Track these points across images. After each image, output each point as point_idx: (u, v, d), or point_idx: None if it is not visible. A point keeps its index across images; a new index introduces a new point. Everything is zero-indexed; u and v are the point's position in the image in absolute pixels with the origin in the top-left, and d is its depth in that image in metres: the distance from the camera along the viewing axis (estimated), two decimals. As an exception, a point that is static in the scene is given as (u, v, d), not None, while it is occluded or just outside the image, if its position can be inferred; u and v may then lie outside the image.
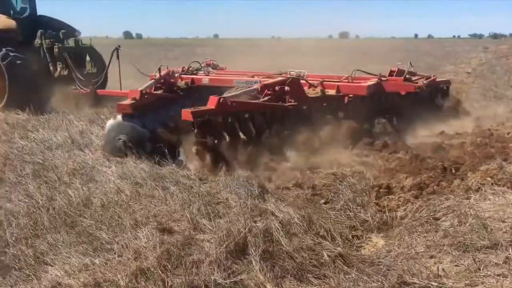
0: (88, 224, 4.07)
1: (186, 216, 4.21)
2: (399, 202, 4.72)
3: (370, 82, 7.79)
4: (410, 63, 8.43)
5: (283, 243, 3.71)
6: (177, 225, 4.12)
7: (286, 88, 6.89)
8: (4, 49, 10.13)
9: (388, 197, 4.86)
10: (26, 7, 11.84)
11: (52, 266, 3.43)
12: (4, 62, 10.01)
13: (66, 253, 3.56)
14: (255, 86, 7.00)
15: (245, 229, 3.80)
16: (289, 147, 6.37)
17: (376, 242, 4.00)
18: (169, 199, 4.66)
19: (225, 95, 6.46)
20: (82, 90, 10.45)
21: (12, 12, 11.49)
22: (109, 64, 10.29)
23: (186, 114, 5.75)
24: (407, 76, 8.18)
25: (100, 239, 3.79)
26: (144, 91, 6.86)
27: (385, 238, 4.06)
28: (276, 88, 6.83)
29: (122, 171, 5.49)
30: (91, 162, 5.87)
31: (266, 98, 6.70)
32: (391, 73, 8.60)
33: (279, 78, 7.33)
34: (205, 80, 8.46)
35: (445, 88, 10.02)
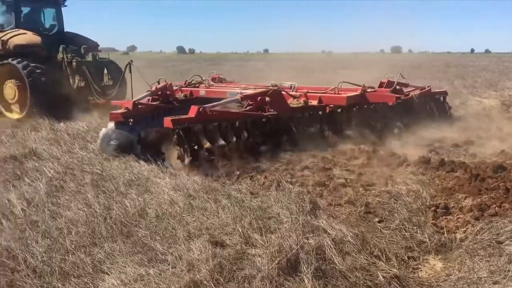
0: (143, 234, 4.16)
1: (238, 230, 4.22)
2: (458, 223, 4.52)
3: (351, 93, 8.35)
4: (400, 74, 9.31)
5: (336, 261, 3.64)
6: (229, 239, 4.13)
7: (267, 99, 7.47)
8: (27, 62, 11.02)
9: (446, 218, 4.66)
10: (55, 24, 12.97)
11: (109, 275, 3.52)
12: (27, 74, 10.88)
13: (122, 263, 3.65)
14: (236, 96, 7.66)
15: (297, 245, 3.76)
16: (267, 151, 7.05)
17: (434, 265, 3.84)
18: (221, 212, 4.69)
19: (207, 105, 6.99)
20: (98, 101, 11.19)
21: (41, 29, 12.58)
22: (122, 77, 10.85)
23: (167, 122, 6.35)
24: (397, 87, 8.87)
25: (155, 249, 3.86)
26: (137, 102, 7.47)
27: (443, 260, 3.89)
28: (258, 98, 7.45)
29: (175, 183, 5.59)
30: (147, 173, 6.02)
31: (247, 108, 7.36)
32: (381, 85, 9.24)
33: (260, 90, 7.95)
34: (202, 92, 9.31)
35: (441, 99, 10.60)
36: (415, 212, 4.72)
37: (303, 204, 4.80)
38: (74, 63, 11.59)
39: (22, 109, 11.30)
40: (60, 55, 11.81)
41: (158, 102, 8.44)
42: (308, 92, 8.45)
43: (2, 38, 11.66)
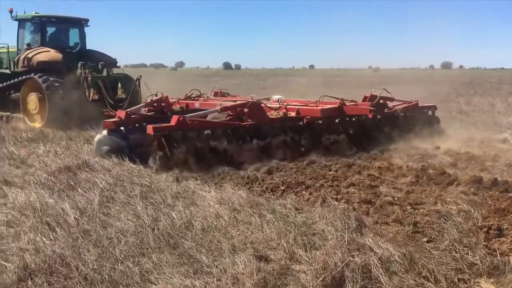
0: (189, 246, 4.23)
1: (283, 245, 4.22)
2: (512, 246, 4.32)
3: (328, 106, 9.15)
4: (385, 89, 10.23)
5: (382, 281, 3.57)
6: (274, 254, 4.14)
7: (245, 110, 8.27)
8: (46, 77, 12.17)
9: (499, 240, 4.47)
10: (78, 43, 14.26)
11: (156, 285, 3.61)
12: (46, 87, 12.04)
13: (169, 273, 3.72)
14: (216, 108, 8.45)
15: (342, 263, 3.72)
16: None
17: (486, 288, 3.69)
18: (266, 226, 4.71)
19: (187, 115, 7.91)
20: (112, 113, 11.63)
21: (65, 46, 13.78)
22: (132, 91, 12.19)
23: (149, 129, 7.28)
24: (381, 101, 9.67)
25: (200, 261, 3.92)
26: (129, 112, 8.32)
27: (496, 284, 3.73)
28: (237, 110, 8.27)
29: (220, 196, 5.66)
30: (193, 187, 6.14)
31: (227, 118, 8.20)
32: (364, 99, 10.14)
33: (239, 102, 8.78)
34: (197, 104, 10.18)
35: (429, 112, 11.07)
36: (466, 233, 4.56)
37: (348, 221, 4.74)
38: (89, 78, 12.56)
39: (42, 118, 12.40)
40: (78, 71, 12.76)
41: (152, 113, 9.30)
42: (289, 105, 9.31)
43: (28, 56, 12.82)
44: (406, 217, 5.14)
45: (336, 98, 9.50)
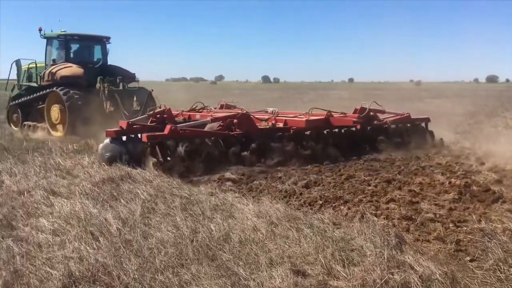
0: (227, 258, 4.28)
1: (320, 260, 4.19)
2: (562, 268, 4.13)
3: (314, 117, 10.06)
4: (375, 101, 10.97)
5: (423, 300, 3.48)
6: (311, 268, 4.12)
7: (235, 121, 9.17)
8: (67, 90, 13.27)
9: (548, 261, 4.28)
10: (101, 58, 15.36)
11: (194, 295, 3.66)
12: (66, 99, 13.14)
13: (207, 285, 3.77)
14: (207, 118, 9.43)
15: (381, 280, 3.67)
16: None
17: (534, 312, 3.54)
18: (303, 241, 4.69)
19: (180, 124, 8.90)
20: None
21: (88, 62, 14.87)
22: (145, 103, 13.35)
23: (144, 137, 8.13)
24: (371, 113, 10.57)
25: (238, 274, 3.95)
26: (131, 122, 9.10)
27: (544, 308, 3.57)
28: (227, 120, 9.14)
29: (258, 209, 5.70)
30: (231, 199, 6.21)
31: (218, 128, 9.07)
32: (355, 111, 10.77)
33: (229, 113, 9.80)
34: (197, 116, 10.91)
35: (422, 124, 11.62)
36: (511, 253, 4.39)
37: (388, 238, 4.66)
38: (106, 91, 13.61)
39: (63, 128, 13.50)
40: (97, 85, 13.85)
41: (154, 123, 10.00)
42: (278, 116, 10.21)
43: (52, 70, 14.00)
44: (448, 234, 5.00)
45: (325, 110, 10.41)
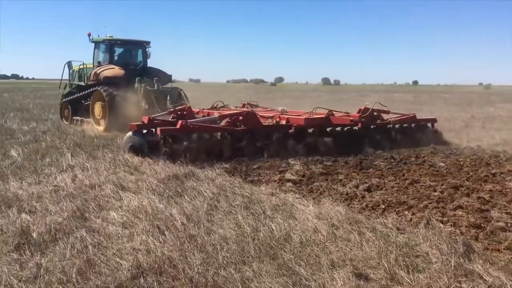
0: (288, 258, 4.31)
1: (383, 265, 4.12)
2: None
3: (315, 116, 11.19)
4: (379, 103, 12.08)
5: (493, 311, 3.33)
6: (373, 273, 4.06)
7: (240, 117, 10.18)
8: (107, 88, 14.67)
9: None
10: (141, 61, 16.92)
11: (256, 292, 3.72)
12: (106, 96, 14.47)
13: (269, 283, 3.82)
14: (215, 115, 10.73)
15: (448, 288, 3.54)
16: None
17: None
18: (365, 245, 4.63)
19: (191, 120, 10.06)
20: None
21: (129, 64, 16.39)
22: (175, 101, 14.80)
23: (158, 130, 9.30)
24: (374, 113, 11.58)
25: (299, 274, 3.97)
26: (152, 118, 9.98)
27: None
28: (233, 117, 10.20)
29: (319, 211, 5.68)
30: (291, 200, 6.23)
31: (224, 124, 10.12)
32: (359, 111, 11.62)
33: (236, 111, 11.19)
34: (215, 113, 11.75)
35: (428, 125, 12.62)
36: None
37: (455, 246, 4.50)
38: (142, 91, 14.80)
39: (104, 123, 14.75)
40: (136, 85, 15.05)
41: (174, 119, 10.81)
42: (281, 114, 11.37)
43: (96, 71, 15.60)
44: (521, 245, 4.74)
45: (326, 109, 11.44)
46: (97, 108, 15.24)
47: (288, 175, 7.88)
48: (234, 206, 5.89)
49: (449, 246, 4.49)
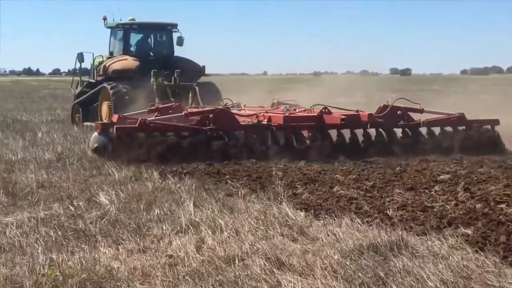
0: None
1: None
2: None
3: (301, 114, 10.00)
4: (406, 99, 10.65)
5: None
6: None
7: (210, 115, 9.22)
8: (116, 84, 12.27)
9: None
10: (164, 49, 14.02)
11: None
12: (112, 93, 12.13)
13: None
14: (182, 113, 9.55)
15: None
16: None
17: None
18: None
19: (150, 118, 9.34)
20: None
21: (149, 53, 13.81)
22: (192, 98, 12.05)
23: (114, 128, 8.86)
24: (399, 112, 9.86)
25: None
26: (122, 116, 9.16)
27: None
28: (203, 115, 9.33)
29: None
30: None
31: (193, 122, 9.25)
32: (378, 108, 10.00)
33: (205, 109, 9.91)
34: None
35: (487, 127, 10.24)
36: None
37: None
38: (155, 86, 12.44)
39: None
40: (151, 79, 12.58)
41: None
42: (260, 113, 9.94)
43: (106, 64, 12.99)
44: None
45: (322, 105, 9.99)
46: (104, 109, 12.59)
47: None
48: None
49: None
